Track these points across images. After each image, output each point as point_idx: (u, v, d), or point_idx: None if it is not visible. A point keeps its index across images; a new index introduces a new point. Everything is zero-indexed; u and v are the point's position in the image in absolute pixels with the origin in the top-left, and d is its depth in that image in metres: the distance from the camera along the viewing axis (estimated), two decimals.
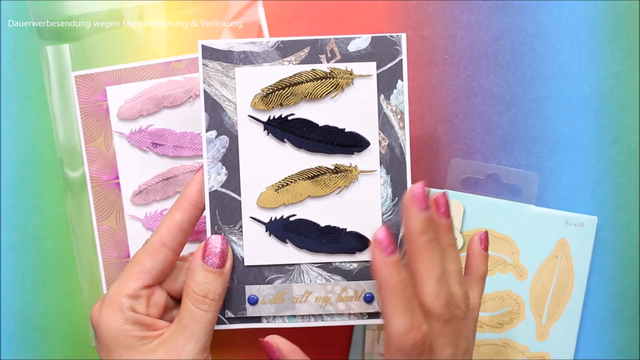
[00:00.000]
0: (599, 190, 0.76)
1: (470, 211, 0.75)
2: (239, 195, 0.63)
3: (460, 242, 0.75)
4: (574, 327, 0.75)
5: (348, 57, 0.63)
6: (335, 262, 0.63)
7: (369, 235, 0.63)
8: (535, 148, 0.76)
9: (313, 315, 0.64)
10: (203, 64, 0.63)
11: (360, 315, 0.64)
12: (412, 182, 0.62)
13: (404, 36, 0.63)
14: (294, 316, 0.64)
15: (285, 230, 0.63)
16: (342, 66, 0.62)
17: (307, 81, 0.62)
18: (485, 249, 0.65)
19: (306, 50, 0.63)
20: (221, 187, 0.63)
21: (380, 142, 0.63)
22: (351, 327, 0.76)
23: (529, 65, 0.76)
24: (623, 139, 0.76)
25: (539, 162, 0.76)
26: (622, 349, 0.76)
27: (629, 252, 0.76)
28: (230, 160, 0.63)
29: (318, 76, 0.62)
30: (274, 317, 0.63)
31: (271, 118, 0.63)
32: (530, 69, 0.76)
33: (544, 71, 0.76)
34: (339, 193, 0.63)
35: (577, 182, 0.76)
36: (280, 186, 0.63)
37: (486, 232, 0.65)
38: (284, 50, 0.63)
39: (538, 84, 0.76)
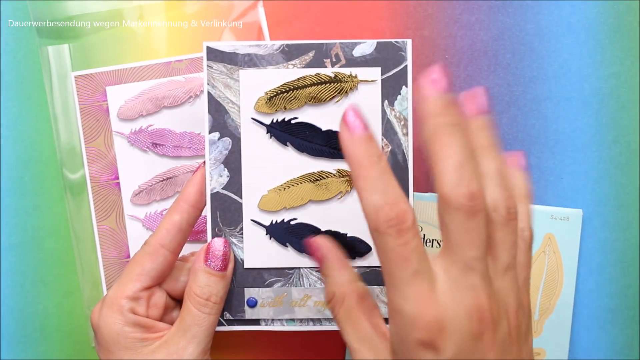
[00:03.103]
0: (599, 190, 0.76)
1: None
2: (241, 197, 0.63)
3: None
4: (567, 322, 0.75)
5: (353, 62, 0.63)
6: None
7: (369, 240, 0.63)
8: (535, 148, 0.76)
9: (311, 320, 0.64)
10: (207, 66, 0.63)
11: None
12: (414, 189, 0.62)
13: (409, 42, 0.63)
14: (293, 320, 0.64)
15: (286, 233, 0.63)
16: (347, 71, 0.62)
17: (311, 85, 0.62)
18: (524, 167, 0.57)
19: (311, 54, 0.63)
20: (223, 189, 0.63)
21: (383, 147, 0.63)
22: None
23: (529, 65, 0.76)
24: (623, 139, 0.76)
25: (539, 162, 0.76)
26: (622, 349, 0.76)
27: (629, 252, 0.76)
28: (233, 162, 0.63)
29: (322, 80, 0.62)
30: (273, 320, 0.64)
31: (274, 121, 0.63)
32: (530, 69, 0.76)
33: (544, 71, 0.76)
34: (340, 198, 0.63)
35: (577, 182, 0.76)
36: (282, 189, 0.63)
37: (522, 151, 0.58)
38: (289, 54, 0.63)
39: (538, 84, 0.76)
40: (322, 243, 0.58)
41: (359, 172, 0.49)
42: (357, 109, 0.51)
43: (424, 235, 0.75)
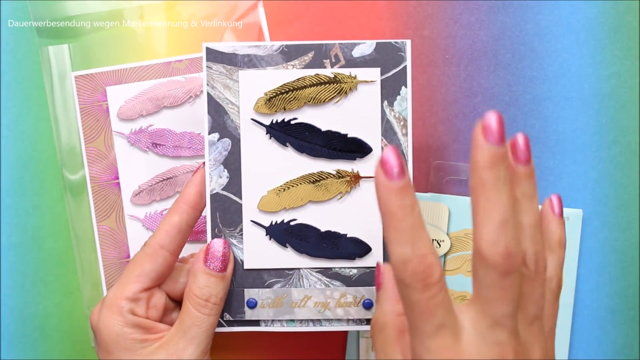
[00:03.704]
0: (599, 190, 0.76)
1: (456, 213, 0.75)
2: (240, 198, 0.63)
3: (447, 245, 0.75)
4: (566, 322, 0.75)
5: (352, 63, 0.63)
6: (335, 268, 0.63)
7: (369, 241, 0.63)
8: (535, 148, 0.76)
9: (311, 320, 0.64)
10: (207, 67, 0.63)
11: (359, 322, 0.64)
12: (414, 189, 0.61)
13: (408, 43, 0.63)
14: (293, 321, 0.64)
15: (286, 234, 0.63)
16: (346, 71, 0.62)
17: (310, 86, 0.62)
18: (560, 214, 0.57)
19: (310, 55, 0.63)
20: (222, 189, 0.63)
21: (382, 148, 0.63)
22: (345, 335, 0.76)
23: (529, 65, 0.76)
24: (623, 139, 0.76)
25: (539, 162, 0.76)
26: (622, 349, 0.76)
27: (629, 252, 0.76)
28: (232, 163, 0.63)
29: (322, 81, 0.62)
30: (273, 321, 0.64)
31: (274, 122, 0.63)
32: (530, 69, 0.76)
33: (544, 71, 0.76)
34: (340, 198, 0.63)
35: (577, 182, 0.76)
36: (282, 190, 0.63)
37: (558, 196, 0.57)
38: (288, 55, 0.63)
39: (538, 84, 0.76)
40: (385, 271, 0.58)
41: (390, 222, 0.47)
42: (397, 150, 0.47)
43: None
